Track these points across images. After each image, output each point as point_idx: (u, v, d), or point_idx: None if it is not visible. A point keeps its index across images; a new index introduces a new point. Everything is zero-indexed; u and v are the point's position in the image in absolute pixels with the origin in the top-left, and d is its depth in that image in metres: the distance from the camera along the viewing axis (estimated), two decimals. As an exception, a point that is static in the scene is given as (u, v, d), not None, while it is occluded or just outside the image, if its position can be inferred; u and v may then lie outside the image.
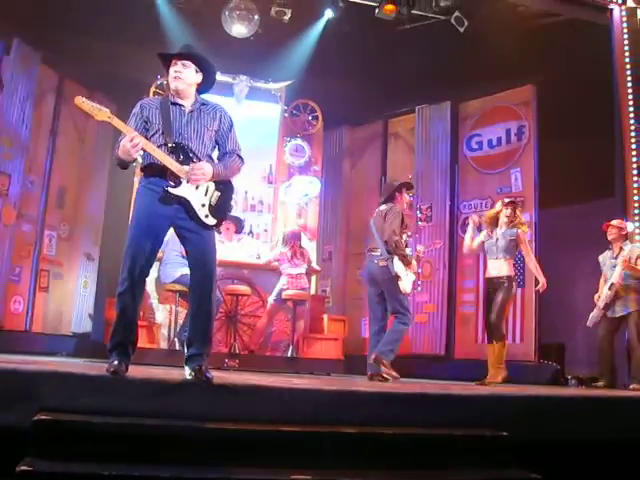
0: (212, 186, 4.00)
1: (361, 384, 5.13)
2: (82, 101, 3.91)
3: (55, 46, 9.10)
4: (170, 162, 3.87)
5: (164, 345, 7.87)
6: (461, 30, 8.98)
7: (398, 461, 3.31)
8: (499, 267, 6.77)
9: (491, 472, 3.39)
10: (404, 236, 6.44)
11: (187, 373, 3.78)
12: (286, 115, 10.30)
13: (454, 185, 9.91)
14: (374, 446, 3.34)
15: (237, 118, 10.13)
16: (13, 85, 8.54)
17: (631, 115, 7.67)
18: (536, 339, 8.63)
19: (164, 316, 8.07)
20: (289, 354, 8.14)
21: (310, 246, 9.52)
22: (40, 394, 3.15)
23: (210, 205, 3.97)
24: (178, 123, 3.97)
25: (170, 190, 3.86)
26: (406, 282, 6.27)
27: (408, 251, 6.43)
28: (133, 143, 3.75)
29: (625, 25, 7.80)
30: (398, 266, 6.18)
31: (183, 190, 3.88)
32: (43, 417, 2.97)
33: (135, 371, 3.89)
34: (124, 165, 3.98)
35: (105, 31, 9.18)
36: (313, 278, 9.36)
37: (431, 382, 6.39)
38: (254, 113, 10.13)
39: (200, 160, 3.95)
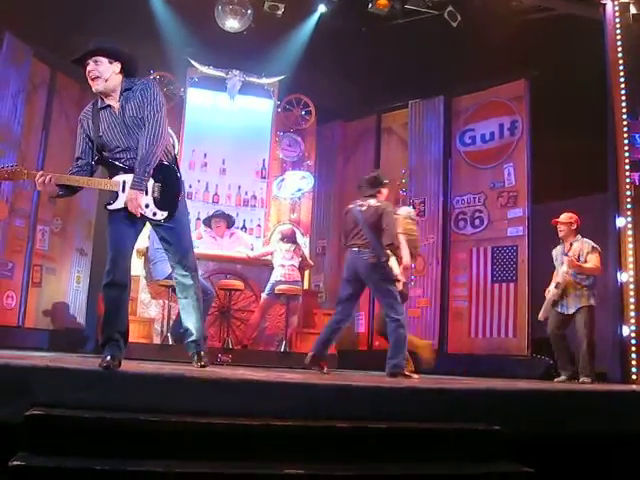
0: (150, 182, 3.95)
1: (354, 379, 5.13)
2: None
3: (47, 40, 9.05)
4: (96, 182, 3.93)
5: (157, 340, 7.87)
6: (454, 25, 8.99)
7: (392, 455, 3.31)
8: None
9: (484, 466, 3.39)
10: None
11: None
12: (279, 110, 10.30)
13: (447, 180, 9.91)
14: (367, 441, 3.34)
15: (230, 113, 10.25)
16: (4, 80, 8.50)
17: (624, 110, 7.66)
18: (529, 334, 8.65)
19: (157, 311, 8.07)
20: (282, 349, 8.15)
21: (303, 241, 9.54)
22: (32, 389, 3.14)
23: (155, 200, 3.96)
24: (111, 129, 3.91)
25: (110, 208, 3.90)
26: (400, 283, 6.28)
27: None
28: (39, 182, 3.75)
29: (618, 20, 7.78)
30: (396, 267, 6.17)
31: (121, 202, 3.88)
32: (36, 412, 2.96)
33: (128, 366, 3.88)
34: (68, 195, 4.07)
35: (98, 25, 9.13)
36: (306, 273, 9.36)
37: (424, 376, 6.39)
38: (247, 108, 10.14)
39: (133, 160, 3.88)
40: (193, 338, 4.16)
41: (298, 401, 3.52)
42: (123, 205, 3.87)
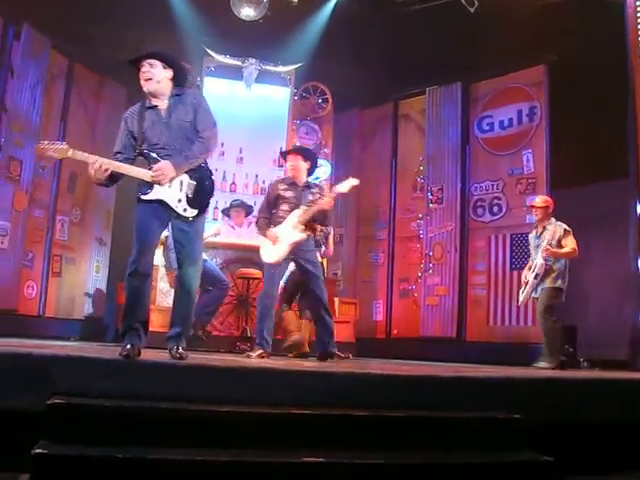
0: (186, 178, 4.10)
1: (373, 367, 5.13)
2: (42, 147, 4.06)
3: (65, 31, 9.08)
4: (137, 172, 4.05)
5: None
6: (472, 10, 8.91)
7: (410, 444, 3.32)
8: None
9: (503, 454, 3.39)
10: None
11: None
12: (296, 98, 10.27)
13: (465, 167, 9.85)
14: (386, 429, 3.35)
15: (247, 101, 10.23)
16: (23, 71, 8.53)
17: (644, 94, 7.58)
18: (548, 321, 8.59)
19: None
20: (301, 337, 8.14)
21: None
22: (54, 378, 3.17)
23: (187, 197, 4.09)
24: (157, 128, 4.12)
25: (143, 197, 4.05)
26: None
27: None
28: (95, 168, 3.96)
29: (639, 2, 7.69)
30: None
31: (156, 193, 4.03)
32: (57, 401, 2.99)
33: (147, 355, 3.91)
34: (108, 186, 4.31)
35: (115, 16, 9.16)
36: (324, 261, 9.35)
37: (443, 365, 6.38)
38: (264, 96, 10.12)
39: (180, 154, 4.06)
40: (178, 331, 4.19)
41: (316, 389, 3.52)
42: (157, 197, 4.03)
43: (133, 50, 9.45)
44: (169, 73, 4.20)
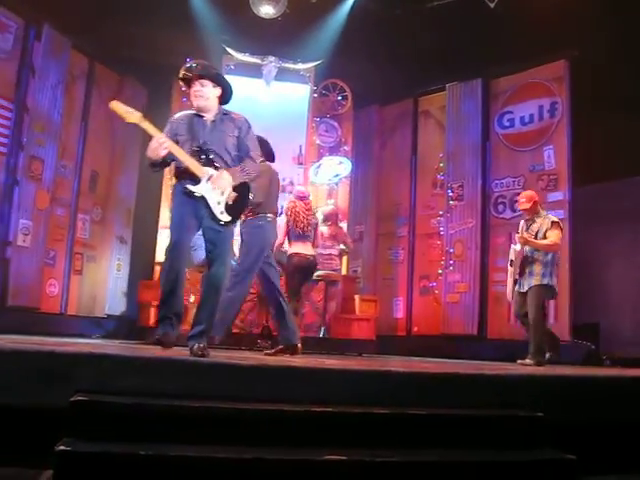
0: (230, 187, 4.40)
1: (394, 364, 5.12)
2: (115, 105, 4.33)
3: (85, 31, 9.15)
4: (192, 163, 4.32)
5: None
6: (492, 5, 8.85)
7: (431, 442, 3.30)
8: None
9: (526, 453, 3.36)
10: None
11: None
12: (315, 95, 10.26)
13: (485, 163, 9.80)
14: (408, 427, 3.33)
15: (266, 99, 10.24)
16: (44, 71, 8.61)
17: (667, 90, 7.50)
18: (570, 319, 8.53)
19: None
20: (321, 334, 8.16)
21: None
22: (77, 375, 3.19)
23: (226, 203, 4.37)
24: (202, 132, 4.43)
25: (190, 188, 4.31)
26: None
27: None
28: (159, 142, 4.23)
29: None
30: None
31: (201, 188, 4.32)
32: (80, 398, 3.00)
33: (170, 352, 3.93)
34: (155, 166, 4.46)
35: (134, 15, 9.22)
36: (344, 259, 9.35)
37: (464, 362, 6.35)
38: (283, 94, 10.12)
39: (222, 159, 4.40)
40: (201, 329, 4.27)
41: (338, 387, 3.52)
42: (202, 193, 4.30)
43: (153, 50, 9.62)
44: (218, 91, 4.51)
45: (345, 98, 10.37)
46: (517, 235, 6.86)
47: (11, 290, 8.13)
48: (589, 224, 8.72)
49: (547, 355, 6.69)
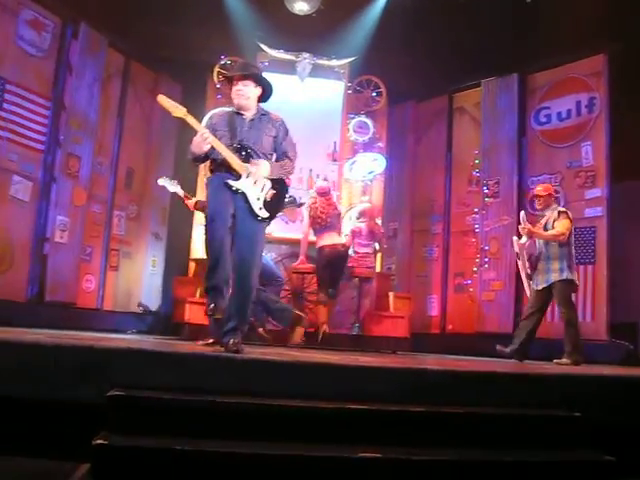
0: (268, 184, 4.53)
1: (430, 362, 5.09)
2: (162, 99, 4.46)
3: (121, 29, 9.24)
4: (232, 158, 4.45)
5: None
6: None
7: (468, 441, 3.27)
8: None
9: (564, 453, 3.32)
10: None
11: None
12: (350, 92, 10.21)
13: (522, 160, 9.67)
14: (444, 425, 3.31)
15: (300, 96, 10.23)
16: (81, 69, 8.70)
17: None
18: (608, 317, 8.39)
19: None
20: (355, 332, 8.14)
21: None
22: (114, 370, 3.22)
23: (265, 200, 4.50)
24: (240, 129, 4.57)
25: (230, 182, 4.44)
26: None
27: None
28: (203, 137, 4.38)
29: None
30: None
31: (241, 184, 4.45)
32: (117, 393, 3.03)
33: (203, 348, 3.94)
34: (197, 160, 4.66)
35: (169, 13, 9.28)
36: (378, 255, 9.31)
37: (500, 361, 6.29)
38: (317, 90, 10.10)
39: (258, 157, 4.51)
40: (234, 324, 4.29)
41: (373, 385, 3.50)
42: (242, 188, 4.43)
43: (188, 47, 9.67)
44: (258, 91, 4.67)
45: (380, 94, 10.32)
46: (520, 227, 6.83)
47: (49, 286, 8.24)
48: (628, 221, 8.56)
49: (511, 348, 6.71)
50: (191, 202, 6.99)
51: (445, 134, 10.75)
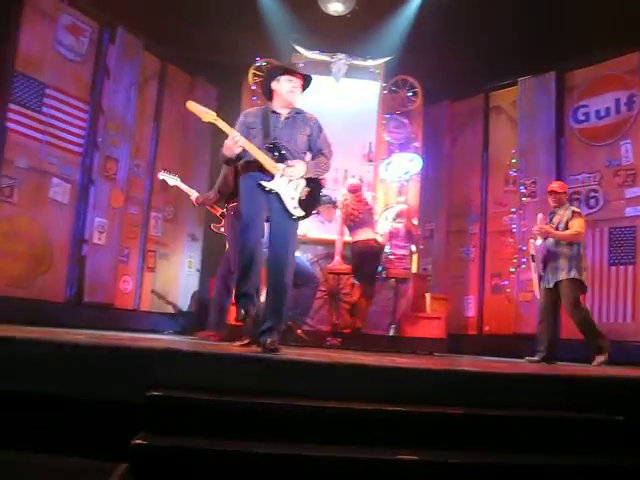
0: (302, 182, 4.52)
1: (466, 364, 5.04)
2: (192, 105, 4.49)
3: (157, 33, 9.32)
4: (265, 159, 4.44)
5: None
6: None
7: (506, 443, 3.23)
8: None
9: (604, 458, 3.26)
10: None
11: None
12: (385, 92, 10.18)
13: (560, 159, 9.54)
14: (482, 428, 3.27)
15: (336, 97, 10.22)
16: (118, 73, 8.83)
17: None
18: (648, 318, 8.25)
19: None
20: (391, 333, 8.11)
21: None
22: (153, 370, 3.25)
23: (299, 199, 4.49)
24: (274, 128, 4.58)
25: (263, 183, 4.42)
26: None
27: None
28: (234, 140, 4.38)
29: None
30: None
31: (275, 184, 4.44)
32: (156, 393, 3.05)
33: (240, 349, 3.95)
34: (229, 162, 4.65)
35: (204, 16, 9.34)
36: (415, 256, 9.27)
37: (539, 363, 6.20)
38: (353, 91, 10.08)
39: (294, 158, 4.50)
40: (270, 324, 4.30)
41: (409, 386, 3.48)
42: (275, 189, 4.42)
43: (223, 49, 9.72)
44: (300, 91, 4.75)
45: (415, 94, 10.26)
46: (535, 228, 6.77)
47: (87, 287, 8.37)
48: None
49: (539, 355, 6.70)
50: (192, 198, 7.04)
51: (481, 133, 10.67)
